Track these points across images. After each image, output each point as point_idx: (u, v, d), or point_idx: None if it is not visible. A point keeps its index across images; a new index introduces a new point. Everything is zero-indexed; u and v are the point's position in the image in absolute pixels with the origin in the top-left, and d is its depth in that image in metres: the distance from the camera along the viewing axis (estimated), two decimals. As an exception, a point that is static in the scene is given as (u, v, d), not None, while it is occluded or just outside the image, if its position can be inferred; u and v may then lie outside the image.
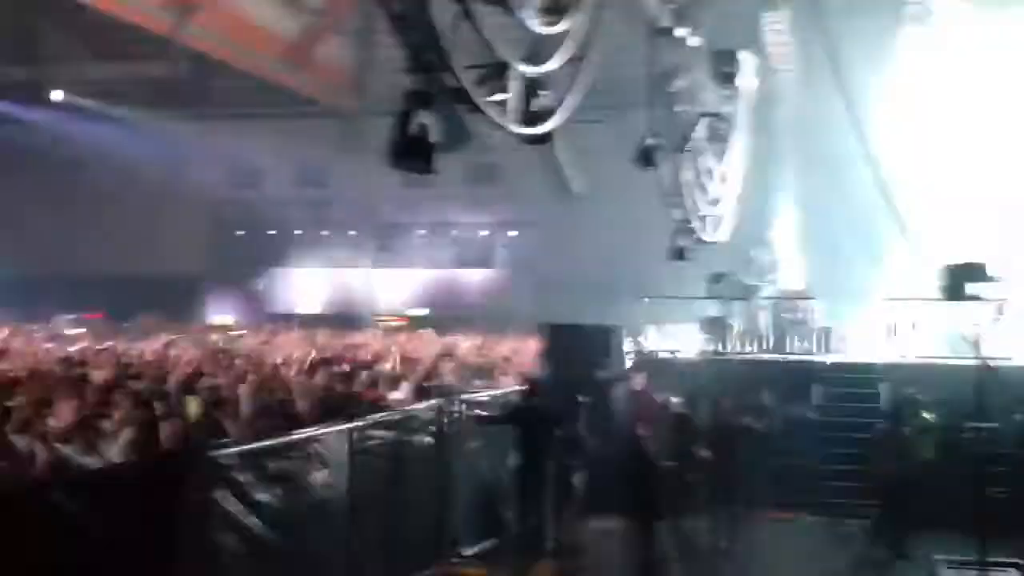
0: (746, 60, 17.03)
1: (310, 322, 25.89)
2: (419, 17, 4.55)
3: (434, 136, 5.03)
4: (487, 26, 5.07)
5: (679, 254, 15.22)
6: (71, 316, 23.33)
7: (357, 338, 19.28)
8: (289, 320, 25.84)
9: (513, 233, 31.48)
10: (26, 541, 6.23)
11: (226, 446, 7.34)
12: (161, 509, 6.64)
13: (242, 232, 32.67)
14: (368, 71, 29.34)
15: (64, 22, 26.97)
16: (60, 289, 28.63)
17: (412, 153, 5.11)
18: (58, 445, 7.20)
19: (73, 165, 29.68)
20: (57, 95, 26.86)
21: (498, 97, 5.47)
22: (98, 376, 10.12)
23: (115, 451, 7.35)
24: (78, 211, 30.86)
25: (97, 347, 14.65)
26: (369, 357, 13.47)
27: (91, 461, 7.20)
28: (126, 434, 7.48)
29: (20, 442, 7.15)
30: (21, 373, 10.37)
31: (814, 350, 16.33)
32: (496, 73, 5.27)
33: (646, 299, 18.37)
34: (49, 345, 15.66)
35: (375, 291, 32.11)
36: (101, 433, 7.51)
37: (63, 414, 7.90)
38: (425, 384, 11.10)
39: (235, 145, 29.44)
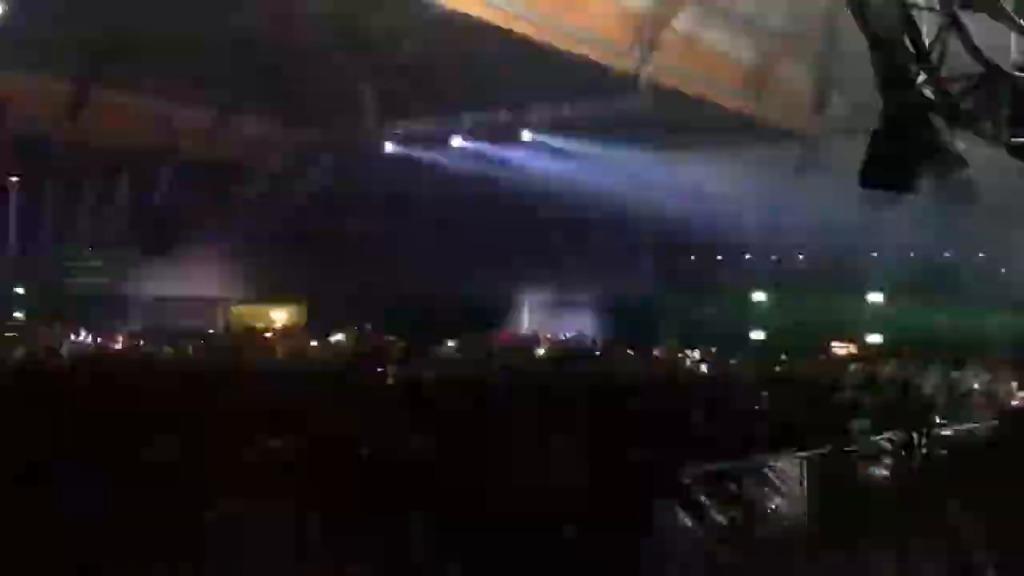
0: None
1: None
2: (902, 30, 4.35)
3: (914, 154, 4.78)
4: (975, 34, 4.71)
5: None
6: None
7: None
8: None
9: (981, 255, 29.04)
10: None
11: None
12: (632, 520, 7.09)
13: (694, 258, 33.36)
14: (829, 92, 28.57)
15: (536, 65, 29.14)
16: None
17: (891, 172, 4.90)
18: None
19: (535, 199, 32.07)
20: (527, 135, 29.18)
21: (988, 109, 5.05)
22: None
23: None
24: (546, 240, 33.09)
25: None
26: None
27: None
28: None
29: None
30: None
31: None
32: (986, 83, 4.86)
33: None
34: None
35: (826, 316, 31.06)
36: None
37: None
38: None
39: (691, 173, 30.10)
